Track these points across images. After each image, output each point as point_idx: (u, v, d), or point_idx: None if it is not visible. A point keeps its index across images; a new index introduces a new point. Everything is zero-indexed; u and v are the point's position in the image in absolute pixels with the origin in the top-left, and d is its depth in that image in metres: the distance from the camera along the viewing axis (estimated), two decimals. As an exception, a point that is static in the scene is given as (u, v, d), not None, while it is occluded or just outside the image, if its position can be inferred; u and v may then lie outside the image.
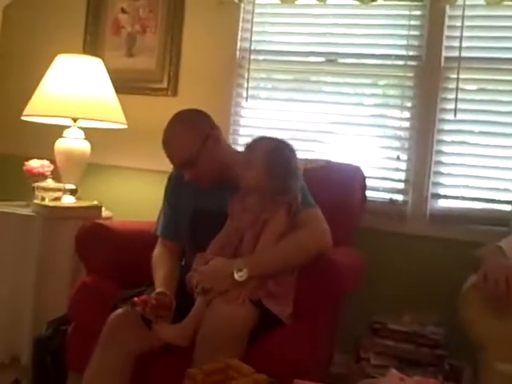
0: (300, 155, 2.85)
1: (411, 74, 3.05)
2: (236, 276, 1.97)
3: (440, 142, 2.98)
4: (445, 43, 2.97)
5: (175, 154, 2.20)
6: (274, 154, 2.06)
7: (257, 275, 1.99)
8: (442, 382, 2.23)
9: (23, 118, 3.16)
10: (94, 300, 2.31)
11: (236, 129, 3.34)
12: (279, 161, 2.05)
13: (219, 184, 2.19)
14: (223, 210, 2.14)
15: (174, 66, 3.48)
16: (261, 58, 3.32)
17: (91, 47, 3.63)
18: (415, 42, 3.04)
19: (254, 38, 3.31)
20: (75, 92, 3.03)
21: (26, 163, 3.13)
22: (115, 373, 2.02)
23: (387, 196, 3.03)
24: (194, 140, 2.18)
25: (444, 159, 2.99)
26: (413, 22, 3.03)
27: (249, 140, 2.20)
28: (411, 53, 3.05)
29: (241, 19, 3.33)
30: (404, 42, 3.06)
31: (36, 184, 3.06)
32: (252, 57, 3.31)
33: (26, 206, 3.03)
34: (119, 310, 2.09)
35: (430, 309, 2.71)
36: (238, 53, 3.34)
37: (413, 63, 3.04)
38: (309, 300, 2.12)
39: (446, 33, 2.97)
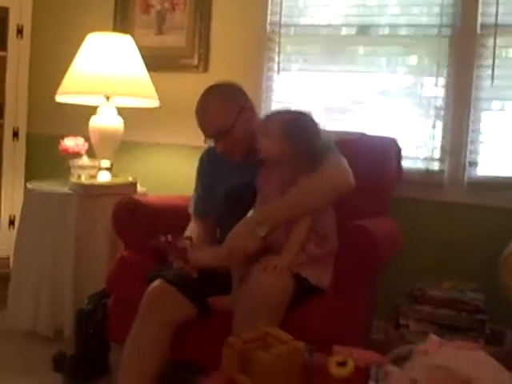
0: (334, 127, 2.87)
1: (446, 42, 2.99)
2: (258, 231, 1.96)
3: (477, 109, 2.93)
4: (480, 10, 2.90)
5: (209, 124, 2.19)
6: (290, 120, 2.04)
7: (276, 222, 1.98)
8: (483, 346, 2.20)
9: (57, 97, 3.19)
10: (132, 274, 2.34)
11: (268, 103, 3.32)
12: (296, 126, 2.02)
13: (250, 158, 2.17)
14: (254, 184, 2.14)
15: (204, 42, 3.48)
16: (291, 31, 3.29)
17: (121, 26, 3.65)
18: (450, 10, 2.97)
19: (284, 12, 3.27)
20: (107, 70, 3.04)
21: (62, 142, 3.16)
22: (154, 344, 2.05)
23: (424, 165, 3.00)
24: (228, 112, 2.18)
25: (481, 127, 2.93)
26: (447, -11, 2.97)
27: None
28: (446, 21, 2.98)
29: (270, -8, 3.30)
30: (438, 10, 3.00)
31: (72, 162, 3.09)
32: (282, 30, 3.28)
33: (62, 185, 3.06)
34: (156, 283, 2.11)
35: (468, 276, 2.69)
36: (268, 26, 3.32)
37: (448, 31, 2.98)
38: (347, 270, 2.13)
39: (482, -1, 2.90)
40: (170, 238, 2.08)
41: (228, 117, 2.17)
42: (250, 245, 1.97)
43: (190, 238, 2.15)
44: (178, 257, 2.07)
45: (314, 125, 2.06)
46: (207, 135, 2.23)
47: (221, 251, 2.02)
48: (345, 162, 2.11)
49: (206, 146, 2.40)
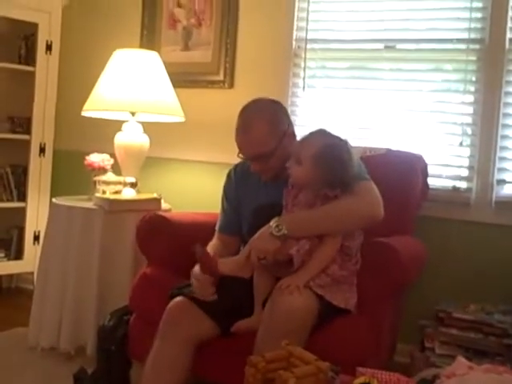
0: (360, 143, 2.84)
1: (474, 58, 2.96)
2: (274, 231, 1.93)
3: (505, 126, 2.88)
4: (509, 24, 2.86)
5: (249, 146, 2.14)
6: (323, 148, 1.97)
7: (295, 231, 1.94)
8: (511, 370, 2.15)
9: (83, 113, 3.22)
10: (155, 290, 2.33)
11: (293, 119, 3.29)
12: (328, 154, 1.96)
13: (279, 176, 2.15)
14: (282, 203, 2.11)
15: (230, 58, 3.49)
16: (317, 46, 3.29)
17: (148, 42, 3.70)
18: (478, 25, 2.94)
19: (309, 27, 3.28)
20: (133, 86, 3.06)
21: (87, 158, 3.19)
22: (175, 361, 2.03)
23: (450, 183, 2.96)
24: (271, 137, 2.12)
25: (509, 144, 2.88)
26: (475, 4, 2.93)
27: (305, 133, 2.12)
28: (474, 36, 2.95)
29: (296, 8, 3.30)
30: (466, 25, 2.97)
31: (97, 178, 3.11)
32: (308, 46, 3.28)
33: (88, 200, 3.08)
34: (177, 299, 2.10)
35: (496, 297, 2.64)
36: (293, 42, 3.32)
37: (475, 46, 2.94)
38: (371, 289, 2.09)
39: (511, 13, 2.86)
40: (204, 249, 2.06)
41: (270, 142, 2.11)
42: (268, 245, 1.93)
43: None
44: (207, 267, 2.02)
45: (348, 152, 2.00)
46: (244, 154, 2.18)
47: (242, 255, 2.00)
48: (377, 191, 2.07)
49: (233, 164, 2.39)
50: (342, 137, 2.04)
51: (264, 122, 2.12)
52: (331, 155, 1.96)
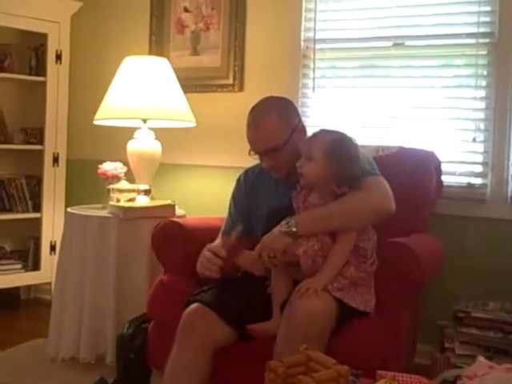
0: (372, 142, 2.83)
1: (484, 52, 2.93)
2: (283, 228, 1.95)
3: (519, 120, 2.85)
4: (518, 16, 2.84)
5: (261, 140, 2.16)
6: (332, 143, 1.99)
7: (306, 229, 1.95)
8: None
9: (95, 122, 3.23)
10: (172, 298, 2.33)
11: (304, 120, 3.27)
12: (339, 148, 1.98)
13: (290, 177, 2.15)
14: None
15: (239, 61, 3.49)
16: (326, 46, 3.27)
17: (157, 48, 3.71)
18: (487, 18, 2.91)
19: (317, 27, 3.26)
20: (144, 93, 3.06)
21: (100, 166, 3.20)
22: (193, 368, 2.03)
23: (465, 180, 2.93)
24: (283, 130, 2.15)
25: (524, 138, 2.86)
26: (483, -3, 2.91)
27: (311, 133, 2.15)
28: (483, 30, 2.92)
29: (303, 8, 3.29)
30: (475, 19, 2.94)
31: (111, 186, 3.12)
32: (317, 46, 3.27)
33: (102, 208, 3.10)
34: (192, 306, 2.11)
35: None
36: (302, 43, 3.31)
37: (485, 40, 2.91)
38: (389, 291, 2.08)
39: (520, 5, 2.83)
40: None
41: (281, 135, 2.14)
42: (278, 243, 1.95)
43: None
44: (233, 250, 2.07)
45: (355, 145, 2.02)
46: (256, 150, 2.20)
47: (256, 252, 2.01)
48: (387, 185, 2.06)
49: (245, 167, 2.38)
50: (345, 133, 2.07)
51: (275, 115, 2.16)
52: (341, 149, 1.99)
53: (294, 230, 1.94)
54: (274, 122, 2.15)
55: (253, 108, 2.22)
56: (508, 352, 2.34)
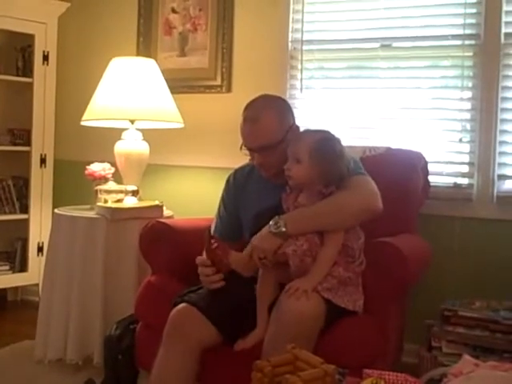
0: (359, 143, 2.84)
1: (470, 54, 2.95)
2: (272, 229, 1.95)
3: (504, 121, 2.88)
4: (504, 19, 2.86)
5: (256, 136, 2.13)
6: (317, 142, 1.99)
7: (295, 228, 1.95)
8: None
9: (82, 123, 3.22)
10: (160, 298, 2.32)
11: (292, 121, 3.30)
12: (324, 147, 1.99)
13: (278, 178, 2.14)
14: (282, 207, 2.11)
15: (227, 62, 3.49)
16: (314, 47, 3.29)
17: (144, 49, 3.71)
18: (473, 20, 2.94)
19: (305, 28, 3.28)
20: (131, 94, 3.06)
21: (88, 167, 3.19)
22: (180, 369, 2.03)
23: (452, 180, 2.95)
24: (280, 128, 2.14)
25: (509, 139, 2.88)
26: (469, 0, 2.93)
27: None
28: (469, 31, 2.94)
29: (291, 10, 3.30)
30: (461, 21, 2.96)
31: (98, 187, 3.11)
32: (304, 47, 3.28)
33: (90, 209, 3.09)
34: (179, 306, 2.10)
35: (501, 294, 2.62)
36: (290, 44, 3.32)
37: (471, 42, 2.94)
38: (376, 290, 2.09)
39: (505, 7, 2.85)
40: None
41: (277, 133, 2.12)
42: (268, 244, 1.95)
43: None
44: (218, 256, 2.06)
45: (340, 143, 2.04)
46: (249, 146, 2.17)
47: (246, 254, 2.02)
48: (373, 184, 2.07)
49: (233, 167, 2.38)
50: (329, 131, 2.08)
51: (273, 113, 2.15)
52: (326, 148, 2.00)
53: (284, 229, 1.95)
54: (272, 119, 2.13)
55: (249, 104, 2.20)
56: (494, 350, 2.35)
